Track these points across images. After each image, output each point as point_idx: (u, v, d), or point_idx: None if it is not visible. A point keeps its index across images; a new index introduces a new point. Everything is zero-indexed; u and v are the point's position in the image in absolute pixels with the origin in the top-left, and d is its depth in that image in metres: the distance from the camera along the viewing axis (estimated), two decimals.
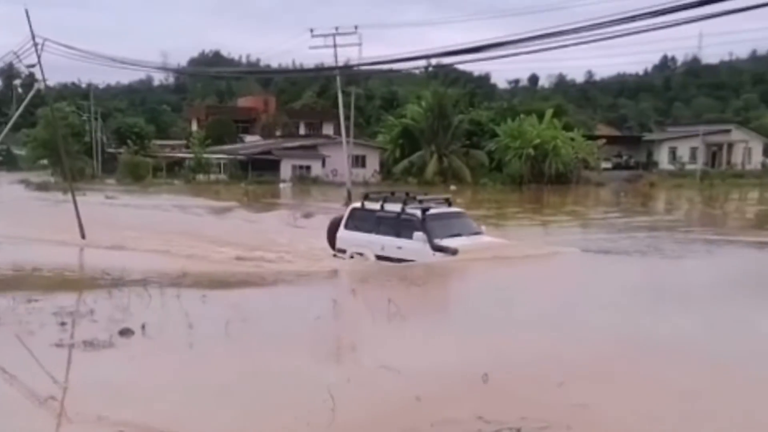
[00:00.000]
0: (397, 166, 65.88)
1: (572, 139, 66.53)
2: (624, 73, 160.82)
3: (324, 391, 6.75)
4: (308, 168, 65.62)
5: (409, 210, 17.18)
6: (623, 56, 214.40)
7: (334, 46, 46.00)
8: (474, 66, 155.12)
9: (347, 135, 51.04)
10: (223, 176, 64.90)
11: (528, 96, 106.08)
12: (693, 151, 75.29)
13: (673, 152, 77.05)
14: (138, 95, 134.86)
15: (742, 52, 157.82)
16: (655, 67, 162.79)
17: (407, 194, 18.90)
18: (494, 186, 61.97)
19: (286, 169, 64.78)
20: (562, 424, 6.46)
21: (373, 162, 68.47)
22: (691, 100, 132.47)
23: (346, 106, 52.08)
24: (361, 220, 18.15)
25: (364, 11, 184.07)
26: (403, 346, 9.43)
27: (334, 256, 18.66)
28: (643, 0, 15.99)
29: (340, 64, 48.69)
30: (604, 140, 71.57)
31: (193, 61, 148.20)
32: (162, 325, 9.65)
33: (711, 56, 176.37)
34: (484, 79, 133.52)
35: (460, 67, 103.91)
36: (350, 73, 62.98)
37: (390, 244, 17.04)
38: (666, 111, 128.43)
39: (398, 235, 16.99)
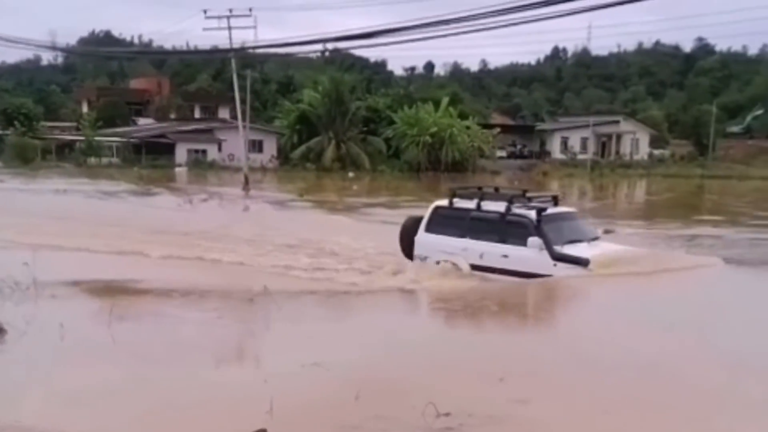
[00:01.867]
0: (295, 152, 67.15)
1: (468, 128, 69.37)
2: (517, 63, 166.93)
3: None
4: (204, 152, 66.15)
5: (517, 210, 14.48)
6: (516, 46, 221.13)
7: (228, 28, 46.54)
8: (370, 52, 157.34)
9: (243, 119, 51.82)
10: (115, 159, 64.57)
11: (424, 83, 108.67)
12: (584, 142, 79.65)
13: (564, 142, 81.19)
14: (25, 75, 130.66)
15: (630, 44, 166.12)
16: (547, 58, 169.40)
17: (495, 189, 16.52)
18: (392, 173, 64.23)
19: (181, 153, 65.09)
20: None
21: (270, 147, 69.54)
22: (581, 91, 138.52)
23: (242, 89, 52.78)
24: (448, 222, 15.32)
25: None
26: None
27: None
28: None
29: (236, 46, 49.39)
30: (498, 129, 75.00)
31: (83, 41, 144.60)
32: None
33: (600, 48, 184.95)
34: (381, 65, 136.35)
35: (357, 53, 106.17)
36: (246, 56, 63.76)
37: (492, 251, 14.34)
38: (558, 101, 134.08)
39: (503, 240, 14.30)
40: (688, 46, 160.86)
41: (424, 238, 15.68)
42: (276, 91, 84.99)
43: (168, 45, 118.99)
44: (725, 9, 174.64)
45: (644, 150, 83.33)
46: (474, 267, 14.64)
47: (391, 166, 66.18)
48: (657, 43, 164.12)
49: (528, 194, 15.42)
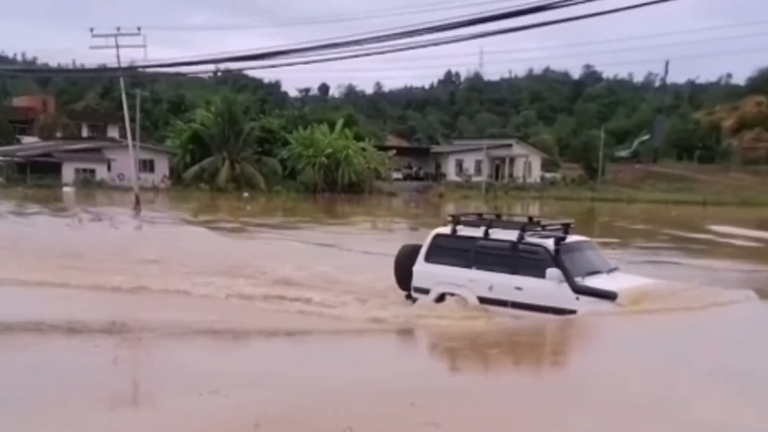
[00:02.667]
0: (188, 172, 66.40)
1: (364, 149, 70.13)
2: (411, 86, 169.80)
3: None
4: (93, 171, 64.58)
5: (531, 239, 13.58)
6: (410, 69, 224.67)
7: (116, 46, 45.78)
8: (264, 73, 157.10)
9: (133, 138, 51.03)
10: None
11: (319, 105, 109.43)
12: (478, 164, 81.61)
13: (459, 164, 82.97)
14: None
15: (521, 70, 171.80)
16: (440, 82, 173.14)
17: (497, 216, 15.87)
18: (288, 194, 64.34)
19: (68, 172, 63.30)
20: None
21: (162, 167, 68.47)
22: (474, 115, 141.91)
23: (132, 108, 52.06)
24: (451, 251, 14.29)
25: (154, 14, 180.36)
26: None
27: (408, 297, 14.87)
28: (425, 16, 17.58)
29: (125, 65, 48.67)
30: (394, 151, 76.09)
31: None
32: None
33: (492, 73, 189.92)
34: (275, 86, 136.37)
35: (250, 73, 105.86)
36: (135, 75, 62.73)
37: (503, 282, 13.33)
38: (452, 124, 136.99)
39: (516, 271, 13.32)
40: (576, 73, 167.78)
41: (423, 269, 14.54)
42: (167, 111, 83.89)
43: (53, 63, 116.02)
44: (612, 38, 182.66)
45: (537, 173, 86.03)
46: (482, 300, 13.62)
47: (287, 187, 66.29)
48: (547, 69, 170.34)
49: (542, 222, 14.54)
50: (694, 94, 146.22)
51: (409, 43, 19.04)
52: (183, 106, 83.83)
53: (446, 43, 19.03)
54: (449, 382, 9.31)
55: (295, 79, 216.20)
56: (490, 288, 13.48)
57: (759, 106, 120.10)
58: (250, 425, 6.53)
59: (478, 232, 14.07)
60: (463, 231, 14.32)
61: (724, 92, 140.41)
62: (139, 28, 45.73)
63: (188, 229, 33.51)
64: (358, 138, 71.24)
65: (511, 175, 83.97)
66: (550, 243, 13.27)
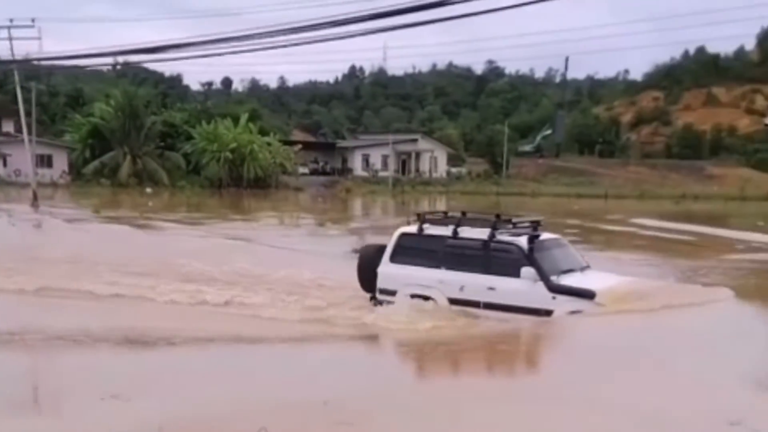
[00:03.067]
0: (88, 167, 64.78)
1: (269, 144, 69.68)
2: (316, 81, 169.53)
3: None
4: None
5: (503, 237, 13.13)
6: (314, 64, 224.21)
7: (9, 38, 44.21)
8: (165, 66, 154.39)
9: (29, 133, 49.36)
10: None
11: (222, 99, 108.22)
12: (384, 159, 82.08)
13: (366, 159, 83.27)
14: None
15: (424, 65, 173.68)
16: (345, 76, 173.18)
17: (463, 213, 14.65)
18: (192, 189, 63.47)
19: None
20: None
21: (61, 162, 66.59)
22: (380, 110, 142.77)
23: (27, 102, 50.31)
24: (418, 251, 13.84)
25: (48, 5, 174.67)
26: None
27: (373, 300, 14.18)
28: (325, 10, 17.41)
29: (19, 57, 47.12)
30: (300, 146, 75.83)
31: None
32: None
33: (396, 68, 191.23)
34: (176, 79, 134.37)
35: (151, 66, 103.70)
36: (30, 68, 60.78)
37: (475, 283, 12.91)
38: (357, 119, 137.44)
39: (488, 271, 12.92)
40: (479, 68, 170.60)
41: (389, 270, 13.94)
42: (65, 105, 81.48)
43: None
44: (513, 33, 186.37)
45: (442, 168, 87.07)
46: (453, 301, 13.10)
47: (191, 182, 65.36)
48: (450, 64, 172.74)
49: (513, 220, 13.82)
50: (594, 89, 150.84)
51: (312, 37, 18.94)
52: (81, 99, 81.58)
53: (349, 37, 19.02)
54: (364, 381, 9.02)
55: (197, 72, 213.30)
56: (461, 289, 13.06)
57: (655, 101, 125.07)
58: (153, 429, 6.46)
59: (446, 231, 13.55)
60: (430, 230, 13.79)
61: (622, 87, 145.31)
62: (33, 20, 44.26)
63: (94, 226, 32.66)
64: (263, 132, 70.67)
65: (417, 170, 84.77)
66: (523, 241, 12.89)
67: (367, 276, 14.29)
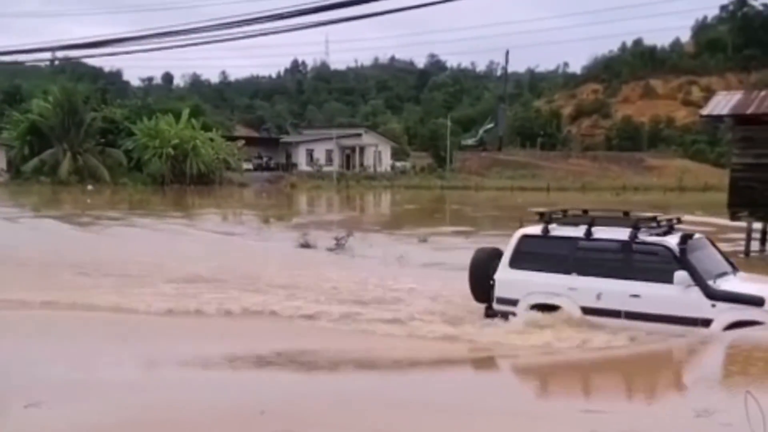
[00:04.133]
0: (27, 165, 63.81)
1: (212, 140, 69.40)
2: (258, 76, 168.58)
3: None
4: None
5: (647, 237, 11.79)
6: (255, 58, 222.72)
7: None
8: (104, 61, 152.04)
9: None
10: None
11: (163, 94, 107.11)
12: (328, 154, 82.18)
13: (310, 154, 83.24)
14: None
15: (366, 59, 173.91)
16: (287, 71, 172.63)
17: (584, 212, 13.23)
18: (135, 186, 62.90)
19: None
20: None
21: None
22: (323, 104, 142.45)
23: None
24: (544, 255, 12.42)
25: None
26: None
27: (488, 309, 12.73)
28: (268, 3, 17.43)
29: None
30: (243, 141, 75.58)
31: None
32: None
33: (338, 62, 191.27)
34: (116, 75, 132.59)
35: (90, 62, 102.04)
36: None
37: (614, 289, 11.52)
38: (301, 114, 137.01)
39: (630, 276, 11.55)
40: (421, 62, 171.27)
41: (508, 276, 12.43)
42: (2, 102, 79.88)
43: None
44: (454, 27, 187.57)
45: (387, 162, 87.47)
46: (587, 311, 11.65)
47: (133, 179, 64.71)
48: (392, 58, 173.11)
49: (659, 217, 12.60)
50: (534, 82, 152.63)
51: (253, 30, 18.83)
52: (19, 96, 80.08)
53: (290, 30, 18.95)
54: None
55: (137, 67, 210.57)
56: (598, 296, 11.60)
57: (595, 94, 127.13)
58: None
59: (576, 232, 12.12)
60: (557, 231, 12.40)
61: (562, 81, 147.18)
62: None
63: (38, 223, 32.23)
64: (206, 128, 70.31)
65: (362, 165, 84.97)
66: (673, 241, 11.51)
67: (481, 284, 12.83)
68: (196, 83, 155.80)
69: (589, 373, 10.02)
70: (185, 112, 69.67)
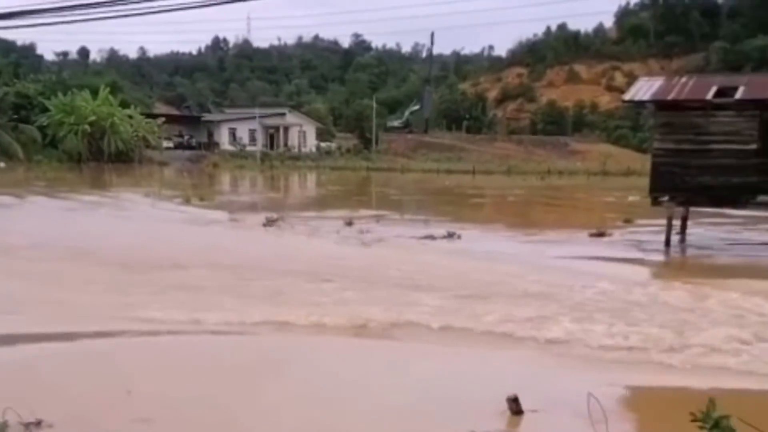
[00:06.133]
0: None
1: (130, 117, 68.18)
2: (178, 52, 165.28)
3: None
4: None
5: None
6: (175, 34, 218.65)
7: None
8: (16, 34, 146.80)
9: None
10: None
11: (79, 70, 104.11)
12: (252, 133, 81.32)
13: (233, 133, 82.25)
14: None
15: (290, 38, 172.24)
16: (208, 48, 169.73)
17: None
18: (50, 163, 61.15)
19: None
20: None
21: None
22: (245, 83, 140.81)
23: None
24: None
25: None
26: None
27: None
28: None
29: None
30: (163, 119, 74.30)
31: None
32: None
33: (261, 40, 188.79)
34: (29, 49, 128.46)
35: (1, 34, 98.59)
36: None
37: None
38: (223, 92, 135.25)
39: None
40: (346, 42, 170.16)
41: None
42: None
43: None
44: (379, 6, 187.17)
45: (312, 142, 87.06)
46: None
47: (48, 156, 62.92)
48: (316, 37, 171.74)
49: None
50: (460, 65, 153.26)
51: (173, 4, 18.33)
52: None
53: (210, 5, 18.55)
54: None
55: (51, 41, 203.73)
56: None
57: (520, 78, 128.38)
58: None
59: None
60: None
61: (488, 64, 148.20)
62: None
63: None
64: (124, 105, 68.95)
65: (286, 145, 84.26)
66: None
67: None
68: (114, 59, 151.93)
69: None
70: (103, 88, 68.00)
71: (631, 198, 35.24)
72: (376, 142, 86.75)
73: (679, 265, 19.70)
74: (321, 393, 7.74)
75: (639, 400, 8.12)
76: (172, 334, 10.16)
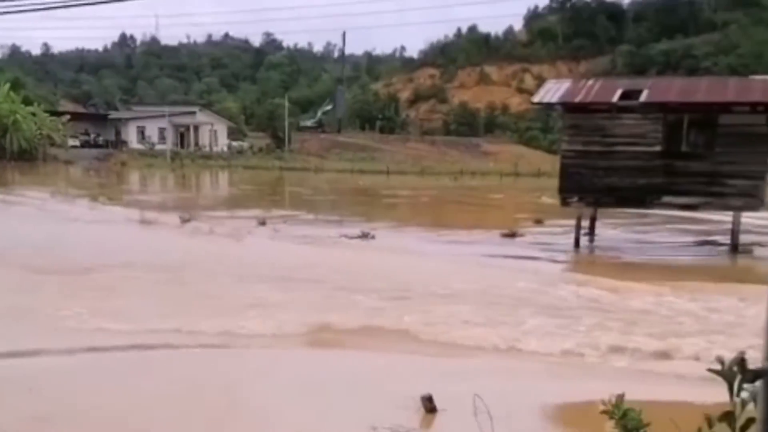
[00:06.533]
0: None
1: (34, 114, 66.21)
2: (83, 49, 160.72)
3: None
4: None
5: None
6: (81, 30, 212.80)
7: None
8: None
9: None
10: None
11: None
12: (161, 132, 79.63)
13: (141, 132, 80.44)
14: None
15: (200, 36, 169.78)
16: (115, 45, 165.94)
17: None
18: None
19: None
20: None
21: None
22: (154, 80, 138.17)
23: None
24: None
25: None
26: None
27: None
28: None
29: None
30: (68, 117, 72.26)
31: None
32: None
33: (170, 38, 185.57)
34: None
35: None
36: None
37: None
38: (131, 90, 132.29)
39: None
40: (257, 41, 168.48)
41: None
42: None
43: None
44: (290, 5, 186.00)
45: (223, 141, 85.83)
46: None
47: None
48: (226, 35, 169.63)
49: None
50: (372, 65, 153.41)
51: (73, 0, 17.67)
52: None
53: (117, 1, 17.98)
54: None
55: None
56: None
57: (432, 79, 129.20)
58: None
59: None
60: None
61: (400, 64, 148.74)
62: None
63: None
64: (27, 102, 67.05)
65: (196, 144, 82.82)
66: None
67: None
68: (16, 55, 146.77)
69: None
70: (4, 85, 65.83)
71: (545, 199, 35.78)
72: (289, 142, 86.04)
73: (585, 265, 20.02)
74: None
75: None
76: None
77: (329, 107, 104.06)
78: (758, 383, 2.02)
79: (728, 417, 2.15)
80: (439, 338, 10.45)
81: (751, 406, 2.07)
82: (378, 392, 8.13)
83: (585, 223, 23.05)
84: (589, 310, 12.42)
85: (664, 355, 9.72)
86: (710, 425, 2.20)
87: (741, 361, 2.06)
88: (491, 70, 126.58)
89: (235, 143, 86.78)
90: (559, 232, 24.69)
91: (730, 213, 21.60)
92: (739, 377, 2.06)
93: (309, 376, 8.66)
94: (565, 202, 22.31)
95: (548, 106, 25.76)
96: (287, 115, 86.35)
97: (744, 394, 2.10)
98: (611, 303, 12.99)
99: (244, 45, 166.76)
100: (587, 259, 21.21)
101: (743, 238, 21.39)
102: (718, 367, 2.11)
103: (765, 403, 2.01)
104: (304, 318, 11.30)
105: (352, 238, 21.90)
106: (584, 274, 16.88)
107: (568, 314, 12.01)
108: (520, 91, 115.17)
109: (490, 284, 14.59)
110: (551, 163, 63.26)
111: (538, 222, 27.90)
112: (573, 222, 22.47)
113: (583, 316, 11.86)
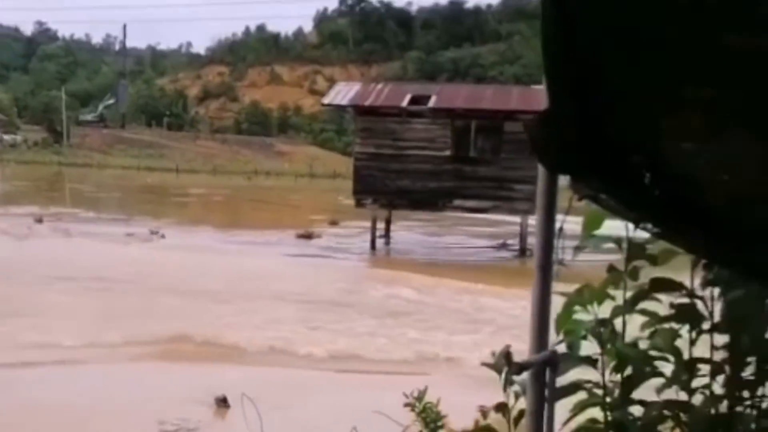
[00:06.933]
0: None
1: None
2: None
3: None
4: None
5: None
6: None
7: None
8: None
9: None
10: None
11: None
12: None
13: None
14: None
15: None
16: None
17: None
18: None
19: None
20: None
21: None
22: None
23: None
24: None
25: None
26: None
27: None
28: None
29: None
30: None
31: None
32: None
33: None
34: None
35: None
36: None
37: None
38: None
39: None
40: (29, 30, 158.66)
41: None
42: None
43: None
44: None
45: None
46: None
47: None
48: None
49: None
50: (156, 60, 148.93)
51: None
52: None
53: None
54: None
55: None
56: None
57: (221, 76, 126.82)
58: None
59: None
60: None
61: (186, 60, 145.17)
62: None
63: None
64: None
65: None
66: None
67: None
68: None
69: None
70: None
71: (342, 199, 36.45)
72: (68, 137, 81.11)
73: (383, 265, 20.77)
74: None
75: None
76: None
77: (111, 101, 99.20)
78: (524, 375, 2.16)
79: (502, 408, 2.37)
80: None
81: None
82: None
83: (381, 225, 23.96)
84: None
85: None
86: (485, 416, 2.53)
87: (507, 355, 2.25)
88: (282, 71, 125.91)
89: (6, 136, 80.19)
90: (355, 234, 25.34)
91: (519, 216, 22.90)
92: (506, 369, 2.26)
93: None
94: (359, 204, 23.13)
95: (340, 108, 26.79)
96: (65, 108, 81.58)
97: (516, 387, 2.33)
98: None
99: (15, 34, 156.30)
100: (383, 260, 21.94)
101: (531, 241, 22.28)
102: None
103: (533, 395, 2.12)
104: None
105: (141, 237, 21.55)
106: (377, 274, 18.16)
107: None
108: (313, 92, 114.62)
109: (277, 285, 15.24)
110: (346, 165, 62.90)
111: (334, 223, 29.42)
112: (369, 224, 23.11)
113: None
